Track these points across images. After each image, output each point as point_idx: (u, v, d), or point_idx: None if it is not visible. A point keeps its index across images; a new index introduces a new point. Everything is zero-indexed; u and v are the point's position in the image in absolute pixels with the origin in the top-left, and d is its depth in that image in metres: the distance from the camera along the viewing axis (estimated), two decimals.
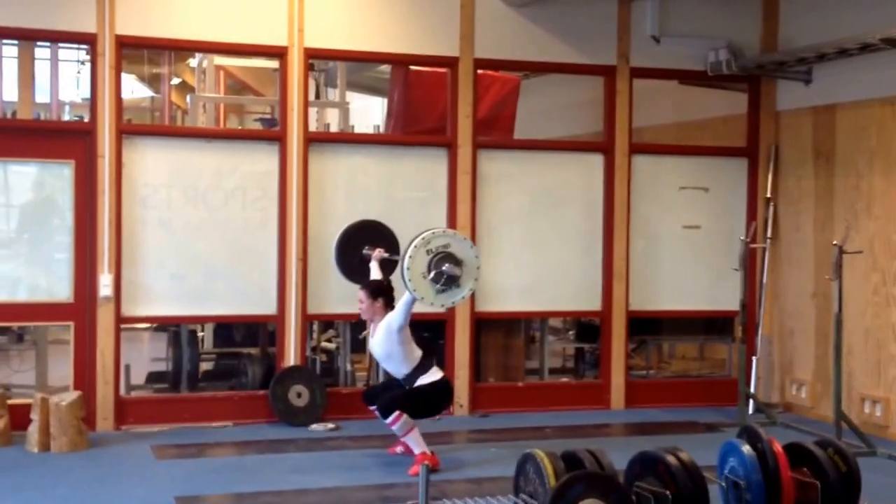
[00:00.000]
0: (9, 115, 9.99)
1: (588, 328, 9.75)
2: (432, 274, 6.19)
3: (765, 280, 8.76)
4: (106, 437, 7.24)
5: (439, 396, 6.60)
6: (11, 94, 10.37)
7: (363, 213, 7.60)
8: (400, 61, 8.56)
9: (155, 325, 10.29)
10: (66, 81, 12.95)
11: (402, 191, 8.18)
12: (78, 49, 12.82)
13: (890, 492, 6.12)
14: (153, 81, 14.77)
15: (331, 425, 7.66)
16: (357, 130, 10.93)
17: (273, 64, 9.33)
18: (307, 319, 7.96)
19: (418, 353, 6.55)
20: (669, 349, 10.61)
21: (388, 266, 6.97)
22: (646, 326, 9.22)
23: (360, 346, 8.46)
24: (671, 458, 4.74)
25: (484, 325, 8.55)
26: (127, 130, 7.63)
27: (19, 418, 6.94)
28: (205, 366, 9.16)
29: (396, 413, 6.38)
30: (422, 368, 6.52)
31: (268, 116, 11.94)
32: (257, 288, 7.82)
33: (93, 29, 7.34)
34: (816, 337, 8.35)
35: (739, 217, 8.84)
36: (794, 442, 5.12)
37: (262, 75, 12.17)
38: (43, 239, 7.50)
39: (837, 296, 7.27)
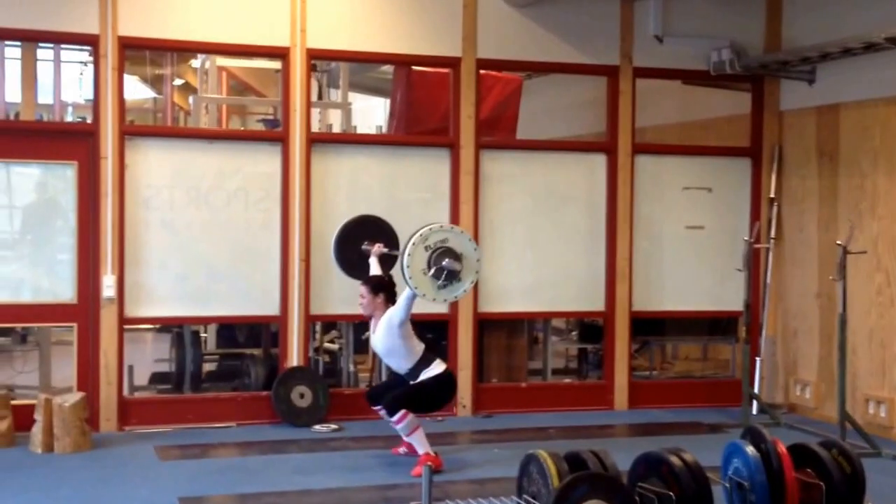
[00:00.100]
0: (11, 117, 9.98)
1: (591, 329, 9.73)
2: (433, 270, 6.17)
3: (768, 280, 8.74)
4: (109, 437, 7.24)
5: (443, 390, 6.61)
6: (14, 95, 10.36)
7: None
8: (402, 62, 8.56)
9: (158, 326, 10.30)
10: (68, 83, 12.92)
11: (405, 191, 8.18)
12: (80, 50, 12.80)
13: (894, 493, 6.10)
14: (155, 83, 14.77)
15: (334, 426, 7.66)
16: (360, 131, 10.92)
17: (275, 65, 9.33)
18: (310, 320, 7.95)
19: (420, 347, 6.55)
20: (673, 350, 10.58)
21: (387, 261, 6.93)
22: (649, 327, 9.19)
23: (362, 346, 8.47)
24: (675, 459, 4.73)
25: (487, 325, 8.53)
26: (130, 132, 7.64)
27: (23, 419, 6.95)
28: (208, 367, 9.15)
29: (402, 412, 6.38)
30: (425, 362, 6.51)
31: (270, 117, 11.90)
32: (260, 289, 7.83)
33: (95, 30, 7.34)
34: (820, 337, 8.34)
35: (743, 217, 8.83)
36: (798, 443, 5.10)
37: (264, 76, 12.17)
38: (46, 240, 7.50)
39: (841, 296, 7.26)
